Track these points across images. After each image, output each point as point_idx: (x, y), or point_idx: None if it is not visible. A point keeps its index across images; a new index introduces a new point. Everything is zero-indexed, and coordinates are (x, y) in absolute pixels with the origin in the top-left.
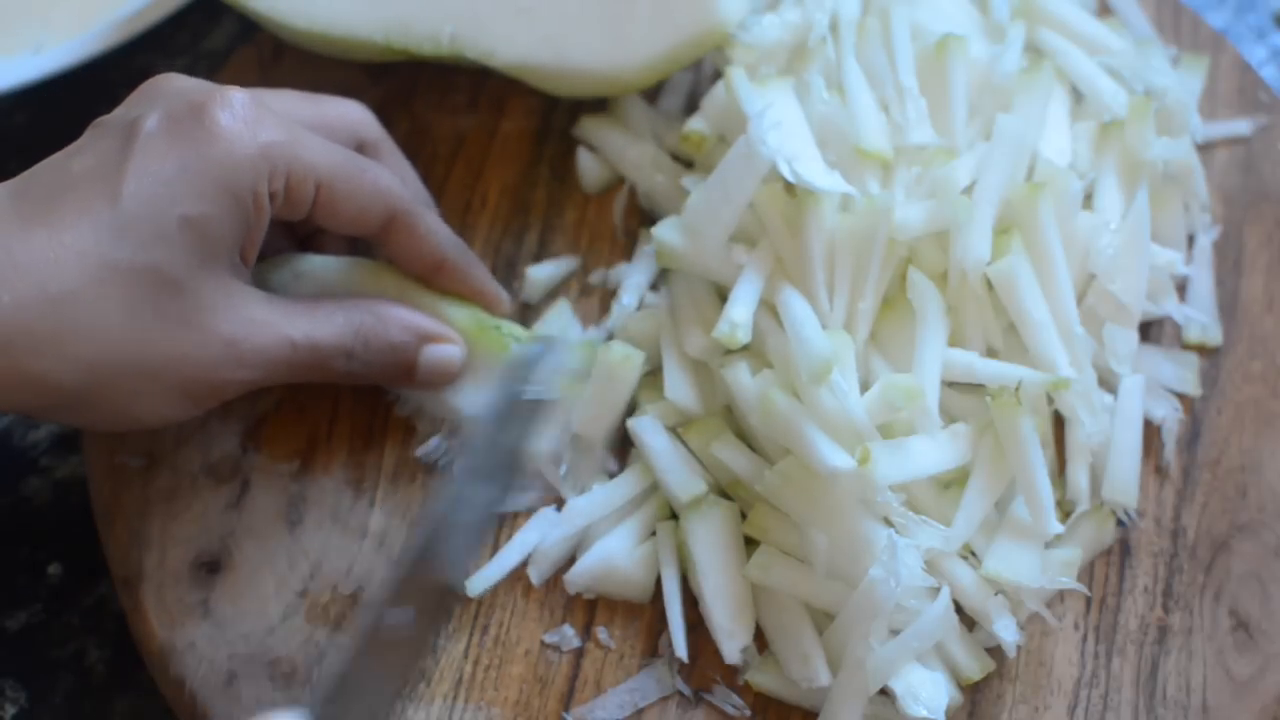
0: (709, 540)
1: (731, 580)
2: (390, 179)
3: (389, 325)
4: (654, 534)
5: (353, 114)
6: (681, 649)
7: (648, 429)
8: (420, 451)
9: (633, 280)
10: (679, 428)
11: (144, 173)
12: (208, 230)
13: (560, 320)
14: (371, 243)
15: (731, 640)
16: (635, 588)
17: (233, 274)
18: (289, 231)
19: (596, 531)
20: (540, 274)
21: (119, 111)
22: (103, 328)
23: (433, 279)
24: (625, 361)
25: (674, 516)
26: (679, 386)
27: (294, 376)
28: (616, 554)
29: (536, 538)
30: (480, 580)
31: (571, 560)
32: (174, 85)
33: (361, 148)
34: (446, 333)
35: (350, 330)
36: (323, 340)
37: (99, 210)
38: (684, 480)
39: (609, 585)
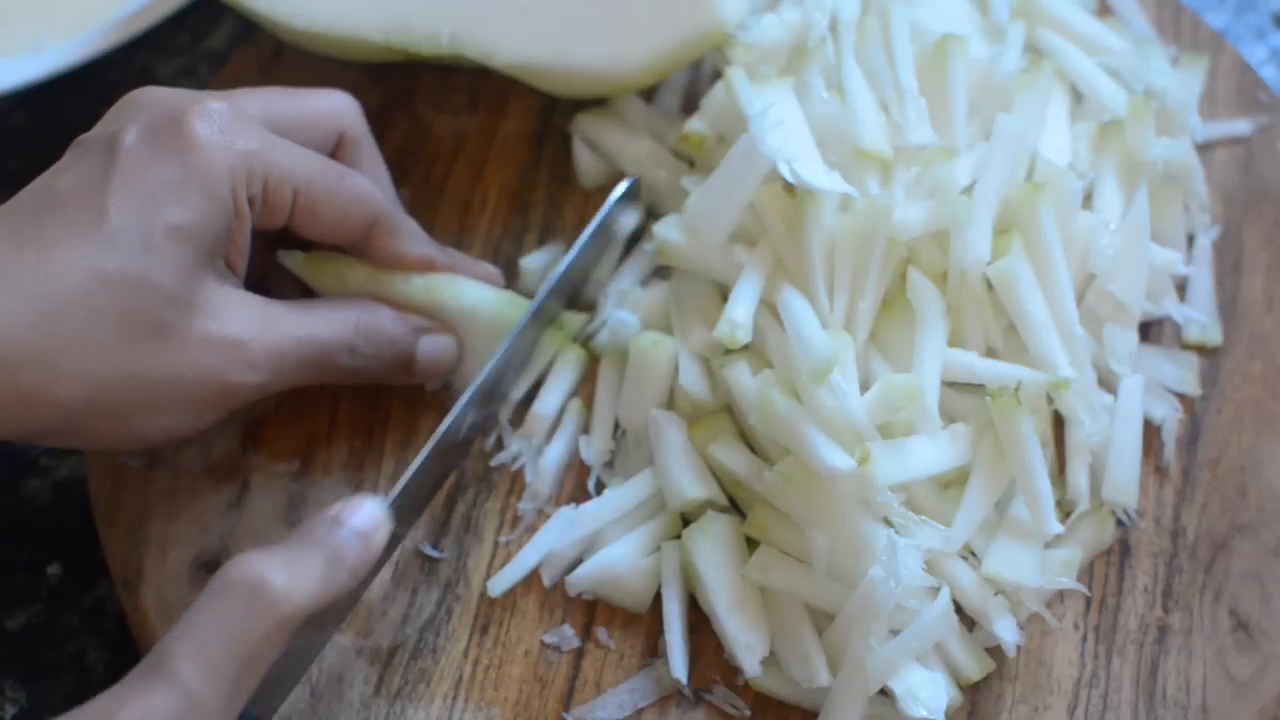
0: (715, 557)
1: (742, 594)
2: (369, 186)
3: (384, 319)
4: (659, 548)
5: (336, 105)
6: (681, 672)
7: (666, 424)
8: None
9: (616, 287)
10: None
11: (128, 186)
12: (194, 238)
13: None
14: (357, 251)
15: (750, 654)
16: (634, 598)
17: (223, 280)
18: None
19: (608, 535)
20: (534, 264)
21: (98, 128)
22: (98, 340)
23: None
24: (655, 347)
25: (680, 536)
26: (693, 375)
27: (299, 377)
28: (620, 563)
29: (554, 538)
30: (501, 581)
31: (578, 561)
32: (152, 96)
33: (342, 141)
34: (439, 326)
35: (349, 325)
36: (325, 336)
37: (87, 225)
38: (685, 483)
39: (609, 592)
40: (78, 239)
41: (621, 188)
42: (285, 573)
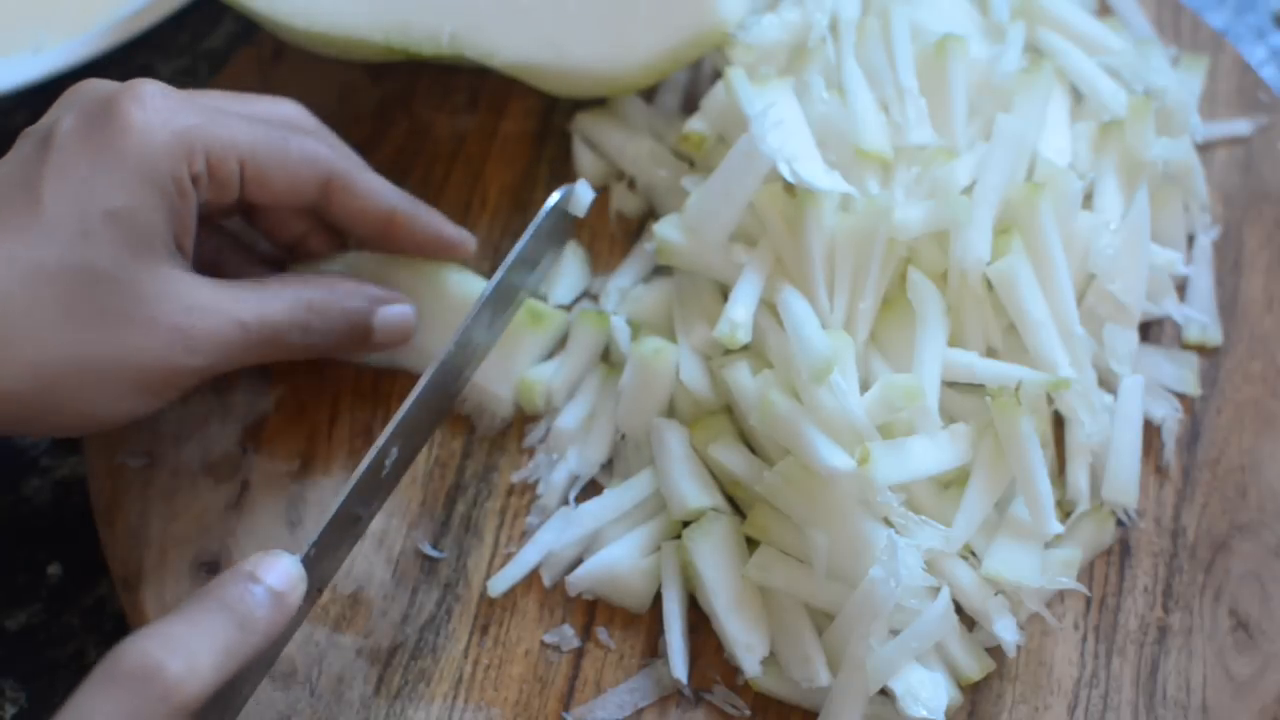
0: (715, 557)
1: (742, 594)
2: (316, 145)
3: (339, 294)
4: (659, 548)
5: (284, 110)
6: (681, 672)
7: (668, 432)
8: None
9: (614, 284)
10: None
11: (62, 174)
12: (135, 222)
13: (574, 264)
14: (319, 212)
15: (750, 654)
16: (634, 598)
17: (171, 263)
18: (269, 247)
19: (607, 535)
20: None
21: (42, 120)
22: (40, 329)
23: (388, 234)
24: (657, 356)
25: (680, 536)
26: (694, 373)
27: (251, 358)
28: (620, 563)
29: (554, 538)
30: (501, 581)
31: (578, 561)
32: (90, 87)
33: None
34: (397, 295)
35: (301, 304)
36: (273, 317)
37: (22, 216)
38: (689, 493)
39: (609, 592)
40: (14, 231)
41: (555, 196)
42: (182, 656)
